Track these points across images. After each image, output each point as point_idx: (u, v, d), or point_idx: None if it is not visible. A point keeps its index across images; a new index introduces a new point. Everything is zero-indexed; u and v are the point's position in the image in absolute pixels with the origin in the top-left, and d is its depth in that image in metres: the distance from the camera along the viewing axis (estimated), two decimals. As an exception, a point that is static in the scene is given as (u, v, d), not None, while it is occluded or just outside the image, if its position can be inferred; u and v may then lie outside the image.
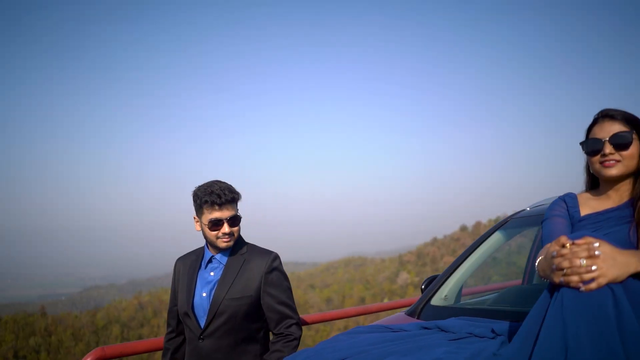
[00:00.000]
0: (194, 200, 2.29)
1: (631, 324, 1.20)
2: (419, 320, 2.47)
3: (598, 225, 1.71)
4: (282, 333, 2.26)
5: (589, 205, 1.80)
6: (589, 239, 1.31)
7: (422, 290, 2.98)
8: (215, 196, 2.20)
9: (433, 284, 2.88)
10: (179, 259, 2.45)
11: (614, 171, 1.70)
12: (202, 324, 2.25)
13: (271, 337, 2.41)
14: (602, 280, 1.25)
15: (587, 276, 1.26)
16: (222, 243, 2.26)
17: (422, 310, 2.66)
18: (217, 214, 2.21)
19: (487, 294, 3.64)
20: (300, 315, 2.51)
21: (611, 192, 1.77)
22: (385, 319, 2.68)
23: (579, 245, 1.31)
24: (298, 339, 2.26)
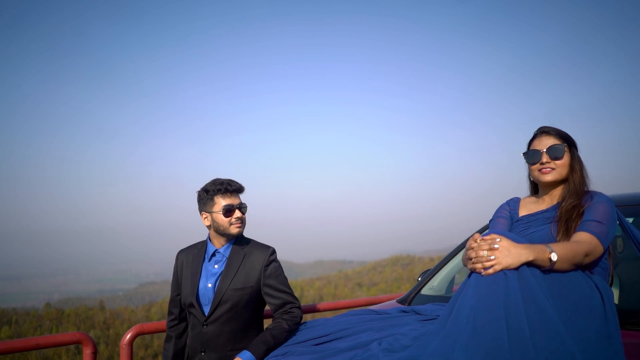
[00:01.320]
0: (202, 196, 2.53)
1: (516, 299, 1.55)
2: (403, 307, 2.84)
3: (529, 224, 2.05)
4: (285, 311, 2.48)
5: (527, 208, 2.14)
6: (493, 236, 1.67)
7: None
8: (227, 184, 2.50)
9: (425, 275, 3.24)
10: (181, 251, 2.64)
11: (549, 177, 2.04)
12: (206, 312, 2.45)
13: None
14: (498, 267, 1.61)
15: (487, 264, 1.62)
16: (235, 229, 2.49)
17: (412, 298, 3.03)
18: (229, 201, 2.49)
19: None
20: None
21: (546, 197, 2.11)
22: (377, 305, 3.07)
23: (484, 240, 1.68)
24: (299, 317, 2.48)
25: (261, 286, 2.49)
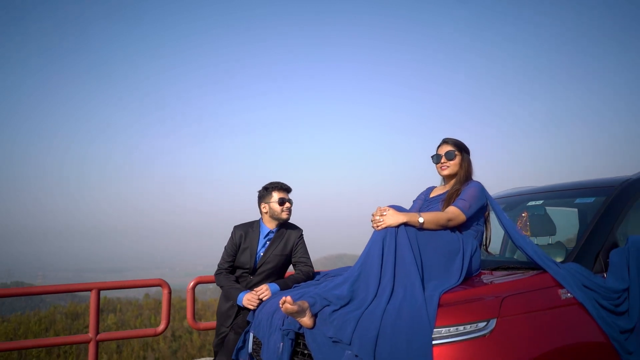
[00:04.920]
0: (263, 193, 3.68)
1: (390, 243, 2.59)
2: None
3: (430, 203, 3.09)
4: (304, 270, 3.66)
5: (435, 193, 3.18)
6: (385, 207, 2.74)
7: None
8: (282, 184, 3.71)
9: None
10: (237, 227, 3.71)
11: (446, 172, 3.08)
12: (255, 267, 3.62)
13: None
14: (383, 225, 2.64)
15: (378, 224, 2.69)
16: (285, 215, 3.64)
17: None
18: (282, 195, 3.66)
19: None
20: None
21: (447, 185, 3.14)
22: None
23: (380, 209, 2.75)
24: (312, 273, 3.64)
25: (292, 254, 3.73)
